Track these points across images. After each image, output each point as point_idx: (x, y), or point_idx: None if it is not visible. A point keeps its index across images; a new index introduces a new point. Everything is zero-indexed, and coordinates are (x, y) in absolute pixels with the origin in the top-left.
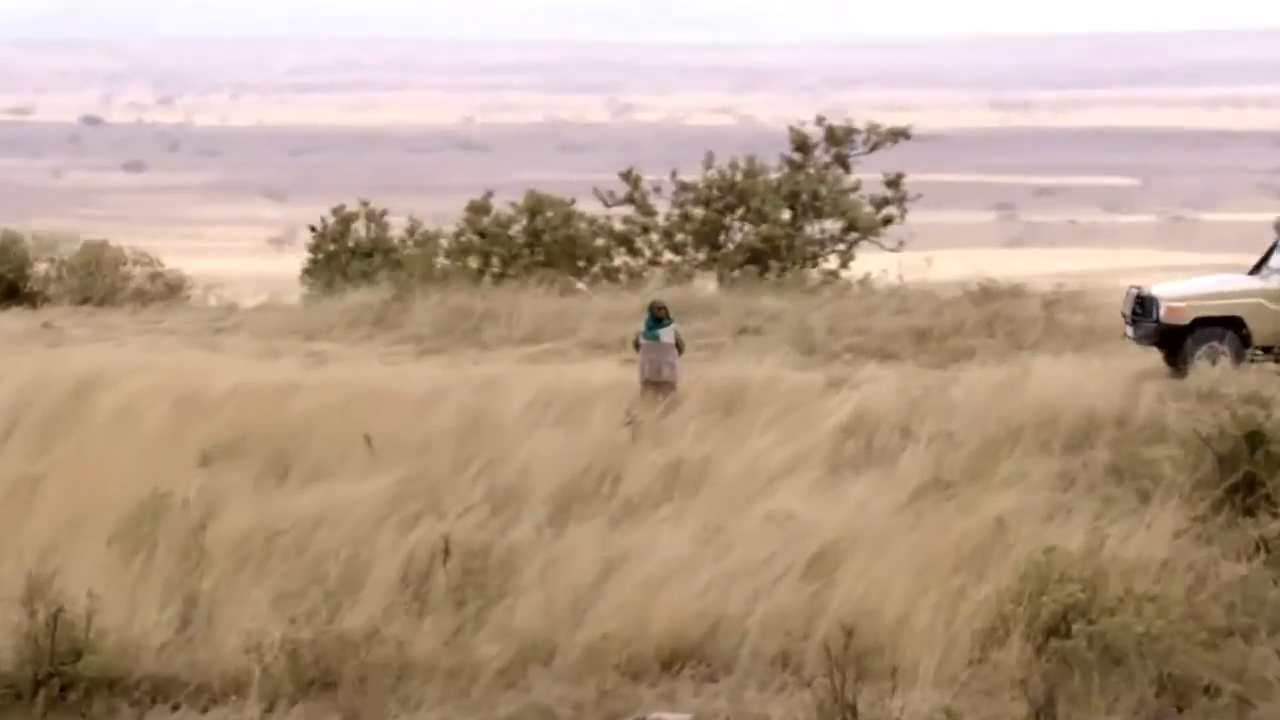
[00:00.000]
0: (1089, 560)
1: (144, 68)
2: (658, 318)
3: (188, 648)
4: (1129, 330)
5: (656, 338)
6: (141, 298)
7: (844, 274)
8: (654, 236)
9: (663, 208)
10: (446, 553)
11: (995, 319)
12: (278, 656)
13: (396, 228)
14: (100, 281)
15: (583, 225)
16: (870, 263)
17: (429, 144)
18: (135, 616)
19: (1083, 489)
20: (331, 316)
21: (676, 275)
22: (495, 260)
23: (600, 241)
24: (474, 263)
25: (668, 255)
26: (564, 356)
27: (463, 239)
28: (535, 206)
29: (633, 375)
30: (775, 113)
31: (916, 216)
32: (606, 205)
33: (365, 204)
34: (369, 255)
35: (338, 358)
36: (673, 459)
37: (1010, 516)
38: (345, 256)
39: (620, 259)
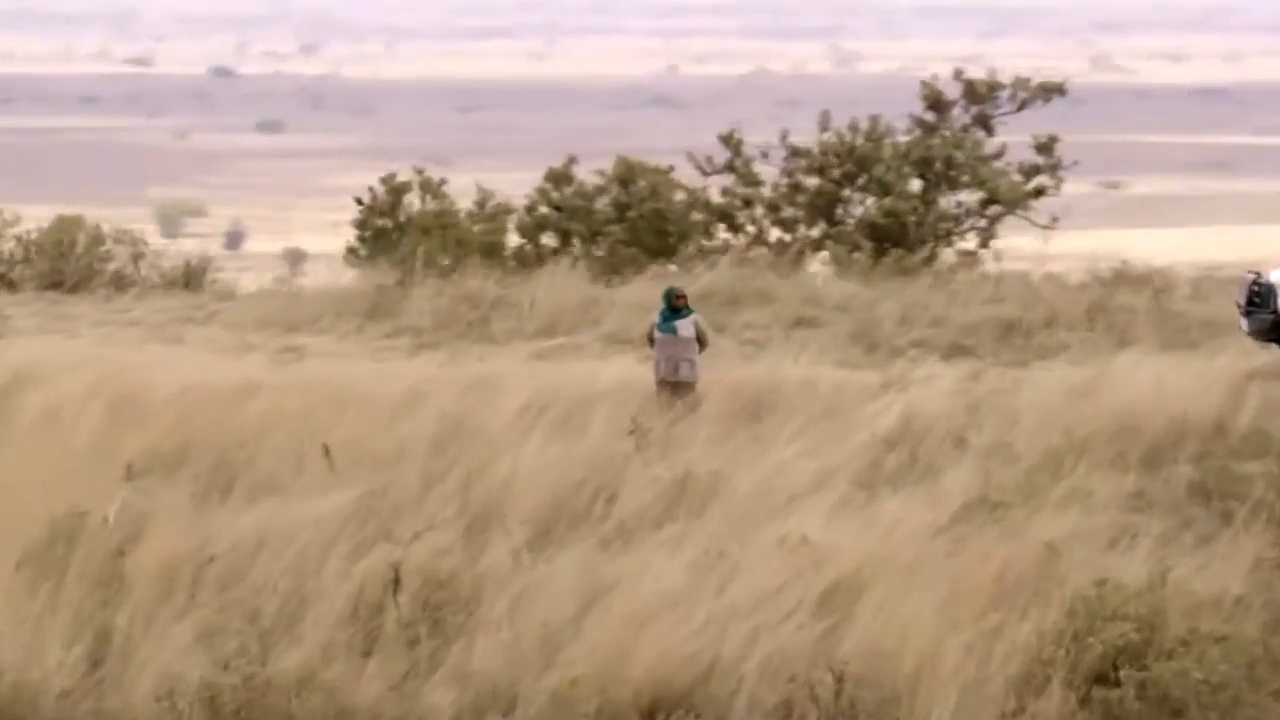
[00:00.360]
0: (1148, 595)
1: (283, 11)
2: (675, 307)
3: (95, 692)
4: (1243, 323)
5: (674, 330)
6: (120, 283)
7: (984, 254)
8: (758, 210)
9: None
10: (396, 582)
11: (1101, 309)
12: (194, 704)
13: (467, 198)
14: (74, 264)
15: (680, 196)
16: (1021, 243)
17: (620, 100)
18: (38, 654)
19: (1159, 510)
20: (323, 305)
21: (784, 256)
22: (575, 239)
23: (697, 216)
24: (551, 241)
25: (776, 232)
26: (580, 352)
27: (535, 213)
28: (626, 175)
29: (650, 374)
30: (1031, 62)
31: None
32: (704, 173)
33: (420, 172)
34: (429, 232)
35: (317, 353)
36: (679, 473)
37: (1065, 542)
38: (396, 233)
39: (721, 236)
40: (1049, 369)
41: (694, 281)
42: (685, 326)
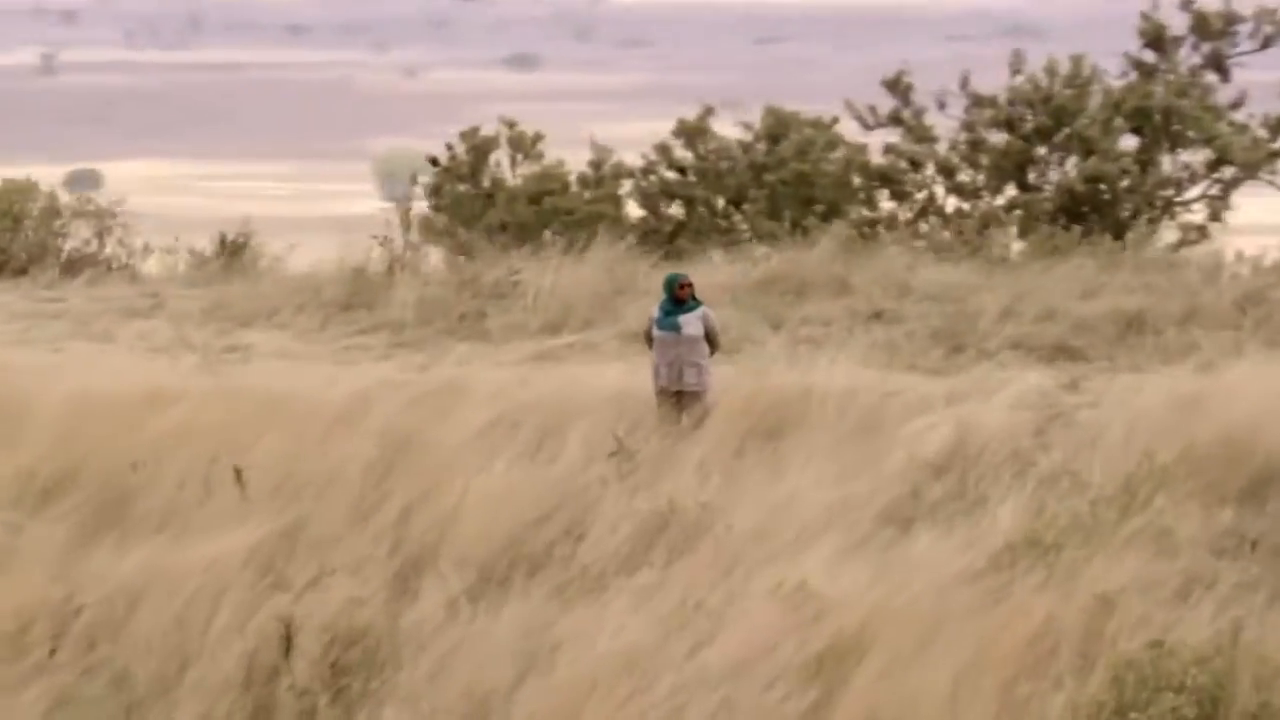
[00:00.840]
0: (1214, 660)
1: None
2: (678, 299)
3: None
4: None
5: (676, 328)
6: (76, 264)
7: (1216, 228)
8: (930, 172)
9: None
10: (288, 640)
11: (1256, 301)
12: None
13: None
14: (20, 239)
15: (835, 156)
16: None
17: (963, 28)
18: None
19: (1255, 554)
20: (290, 294)
21: (962, 229)
22: (701, 208)
23: (857, 181)
24: (675, 209)
25: (952, 200)
26: (591, 352)
27: (652, 178)
28: (776, 129)
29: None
30: None
31: None
32: (866, 126)
33: (510, 124)
34: (537, 201)
35: (268, 352)
36: (665, 506)
37: (1125, 593)
38: (478, 202)
39: (885, 205)
40: (1167, 375)
41: (753, 268)
42: (691, 323)
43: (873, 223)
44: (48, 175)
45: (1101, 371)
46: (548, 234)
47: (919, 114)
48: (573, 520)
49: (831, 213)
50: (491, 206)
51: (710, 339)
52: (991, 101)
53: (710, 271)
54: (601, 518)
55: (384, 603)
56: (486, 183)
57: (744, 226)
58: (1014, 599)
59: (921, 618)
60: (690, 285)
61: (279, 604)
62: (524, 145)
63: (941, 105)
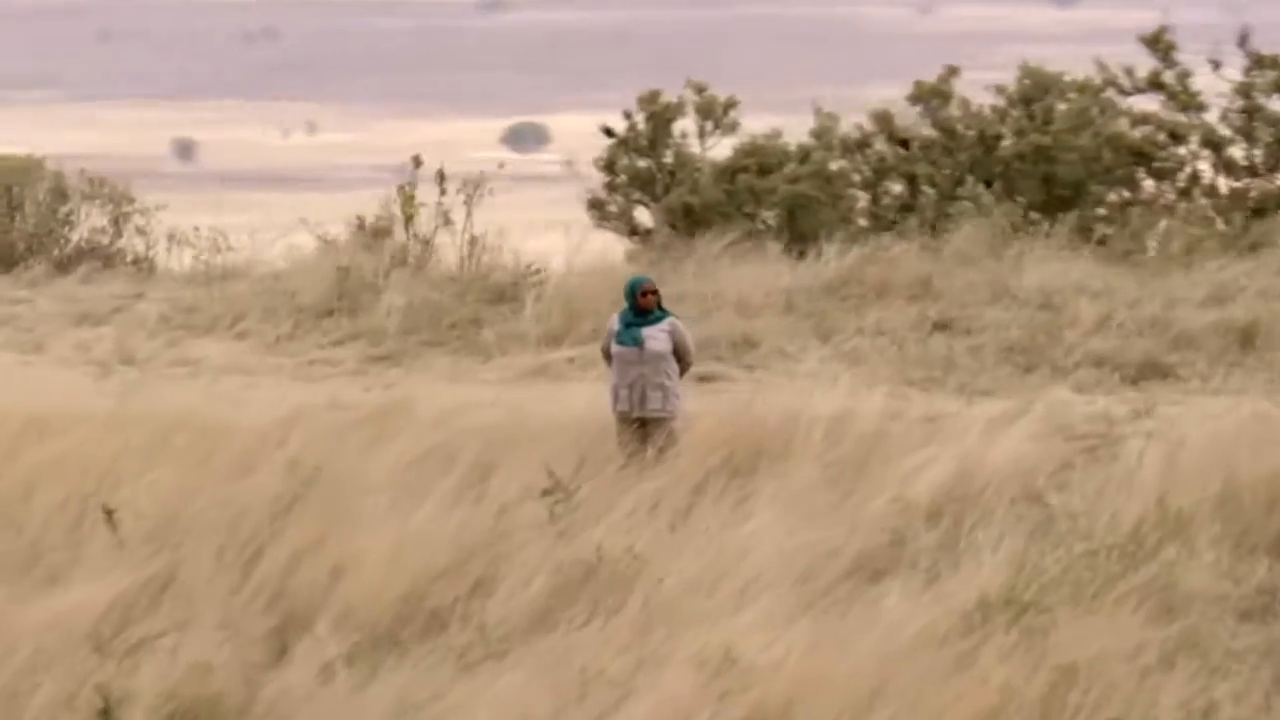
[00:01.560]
0: None
1: None
2: (641, 308)
3: None
4: None
5: (638, 342)
6: (87, 257)
7: None
8: (1192, 146)
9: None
10: (107, 715)
11: None
12: None
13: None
14: (20, 227)
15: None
16: None
17: None
18: None
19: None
20: (260, 299)
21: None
22: (927, 188)
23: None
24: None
25: (1222, 180)
26: (593, 368)
27: (867, 153)
28: (1031, 92)
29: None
30: None
31: None
32: (1122, 91)
33: (698, 88)
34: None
35: (218, 366)
36: (594, 555)
37: (1101, 660)
38: (664, 180)
39: (1146, 185)
40: (1264, 400)
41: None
42: (656, 337)
43: (1128, 205)
44: (483, 130)
45: (1191, 394)
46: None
47: (1183, 77)
48: (487, 571)
49: (1077, 196)
50: (675, 185)
51: (680, 355)
52: (1272, 62)
53: (772, 274)
54: (518, 569)
55: (247, 667)
56: (669, 157)
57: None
58: (976, 666)
59: (861, 688)
60: (656, 291)
61: (110, 670)
62: (714, 113)
63: (1216, 65)
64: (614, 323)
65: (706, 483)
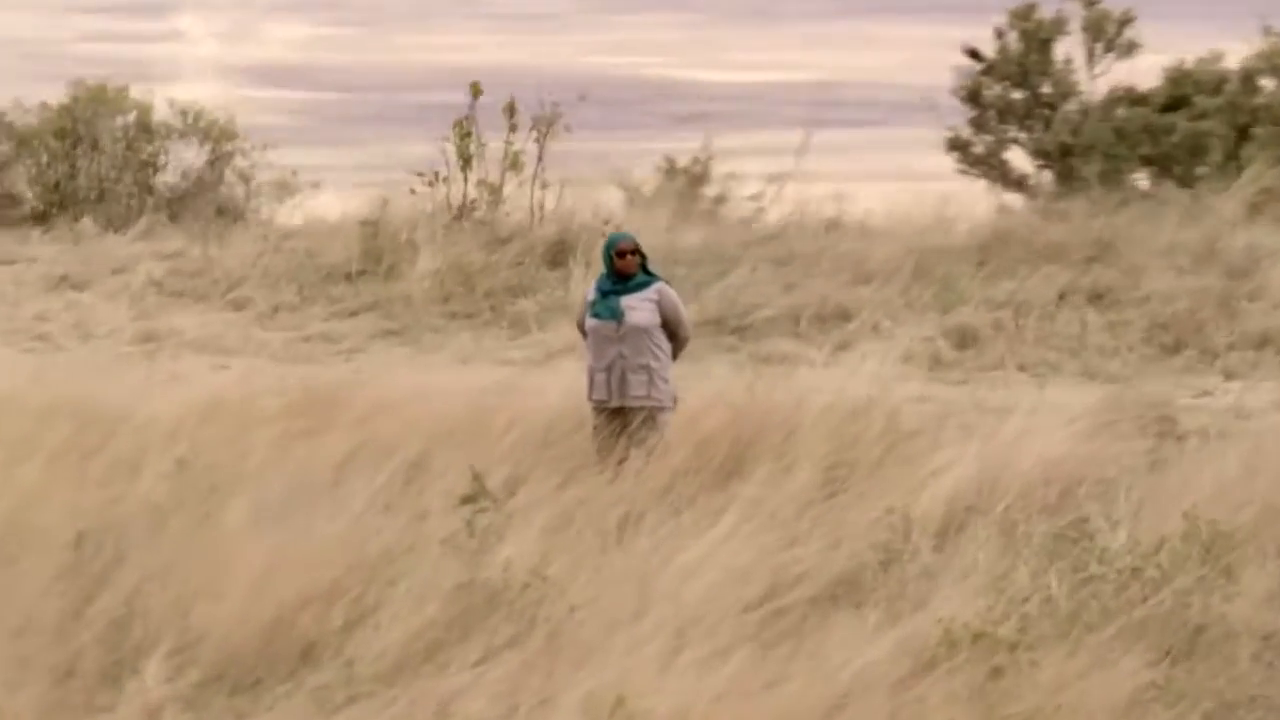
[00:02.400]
0: None
1: None
2: (621, 272)
3: None
4: None
5: (616, 314)
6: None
7: None
8: None
9: None
10: None
11: None
12: None
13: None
14: (93, 166)
15: None
16: None
17: None
18: None
19: None
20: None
21: None
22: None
23: None
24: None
25: None
26: None
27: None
28: None
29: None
30: None
31: None
32: None
33: (1088, 1)
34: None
35: (191, 342)
36: (501, 577)
37: (1076, 708)
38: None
39: None
40: None
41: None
42: (639, 307)
43: None
44: None
45: None
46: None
47: None
48: (376, 596)
49: None
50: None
51: (671, 330)
52: None
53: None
54: (412, 593)
55: (51, 713)
56: (1047, 87)
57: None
58: (922, 715)
59: None
60: (637, 251)
61: None
62: (1104, 31)
63: None
64: (590, 291)
65: (675, 488)
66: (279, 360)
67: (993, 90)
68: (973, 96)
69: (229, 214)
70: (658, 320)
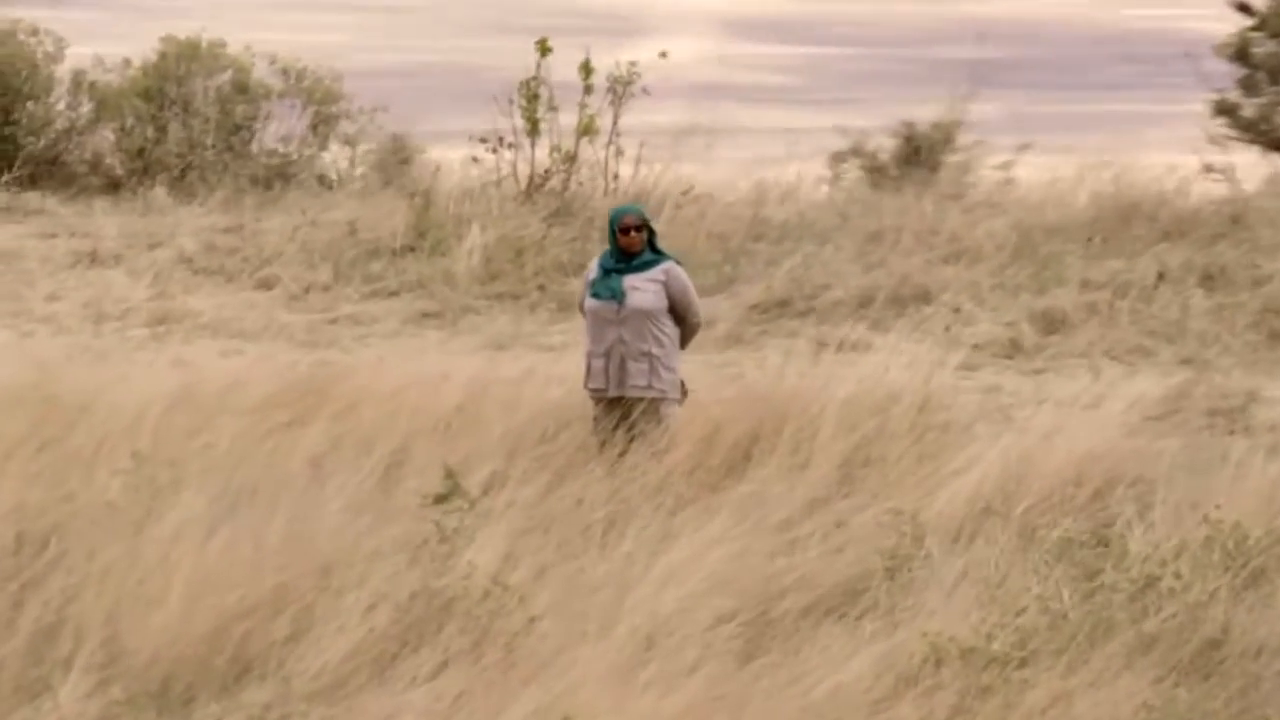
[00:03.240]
0: None
1: None
2: (627, 249)
3: None
4: None
5: (617, 295)
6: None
7: None
8: None
9: None
10: None
11: None
12: None
13: None
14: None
15: None
16: None
17: None
18: None
19: None
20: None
21: None
22: None
23: None
24: None
25: None
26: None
27: None
28: None
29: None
30: None
31: None
32: None
33: None
34: None
35: (203, 326)
36: (461, 584)
37: None
38: None
39: None
40: None
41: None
42: (643, 288)
43: None
44: None
45: None
46: None
47: None
48: (326, 604)
49: None
50: None
51: (679, 314)
52: None
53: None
54: (357, 603)
55: None
56: None
57: None
58: None
59: None
60: (644, 225)
61: None
62: None
63: None
64: (591, 269)
65: (668, 486)
66: (299, 344)
67: (1264, 48)
68: (1241, 55)
69: (329, 183)
70: (664, 303)
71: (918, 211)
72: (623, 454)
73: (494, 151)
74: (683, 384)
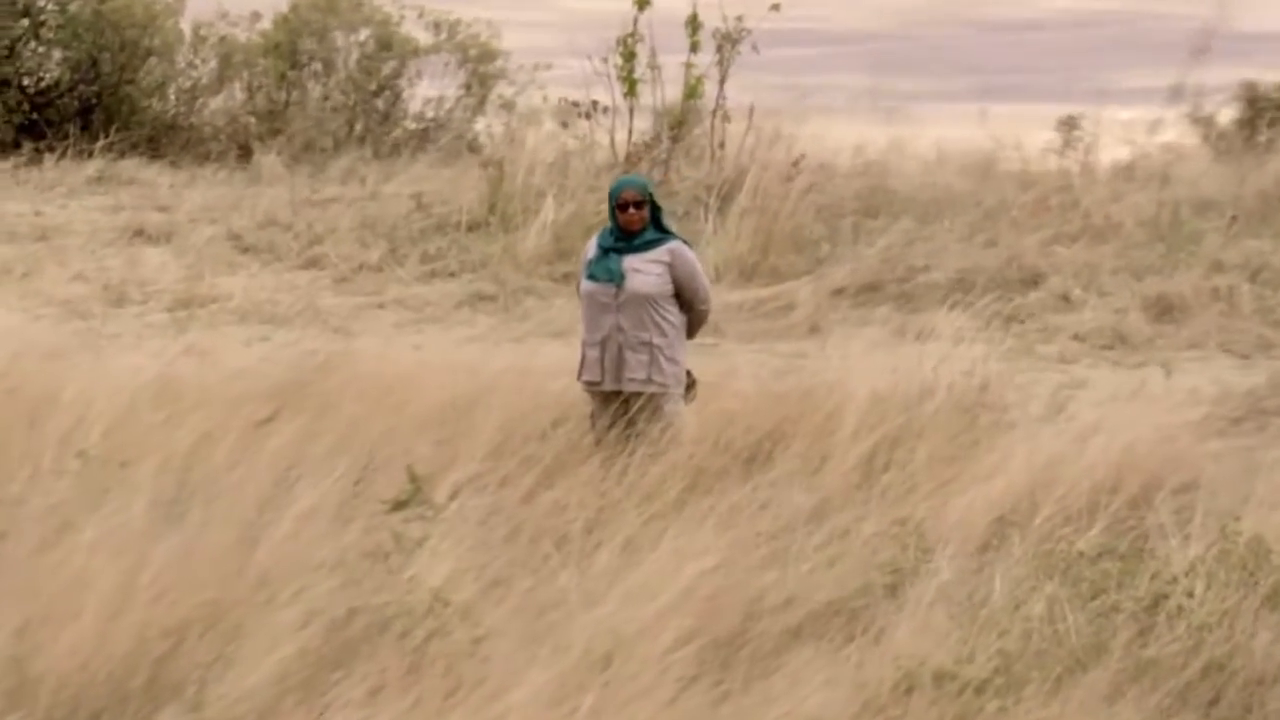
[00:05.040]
0: None
1: None
2: (627, 228)
3: None
4: None
5: (615, 277)
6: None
7: None
8: None
9: None
10: None
11: None
12: None
13: None
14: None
15: None
16: None
17: None
18: None
19: None
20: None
21: None
22: None
23: None
24: None
25: None
26: (774, 319)
27: None
28: None
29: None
30: None
31: None
32: None
33: None
34: None
35: (234, 311)
36: (403, 601)
37: None
38: None
39: None
40: None
41: None
42: (644, 270)
43: None
44: None
45: None
46: None
47: None
48: (254, 623)
49: None
50: None
51: (685, 299)
52: None
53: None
54: (291, 621)
55: None
56: None
57: None
58: None
59: None
60: (645, 202)
61: None
62: None
63: None
64: (589, 248)
65: (660, 490)
66: (334, 331)
67: None
68: None
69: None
70: (668, 288)
71: (1053, 183)
72: (615, 455)
73: (586, 117)
74: (691, 377)
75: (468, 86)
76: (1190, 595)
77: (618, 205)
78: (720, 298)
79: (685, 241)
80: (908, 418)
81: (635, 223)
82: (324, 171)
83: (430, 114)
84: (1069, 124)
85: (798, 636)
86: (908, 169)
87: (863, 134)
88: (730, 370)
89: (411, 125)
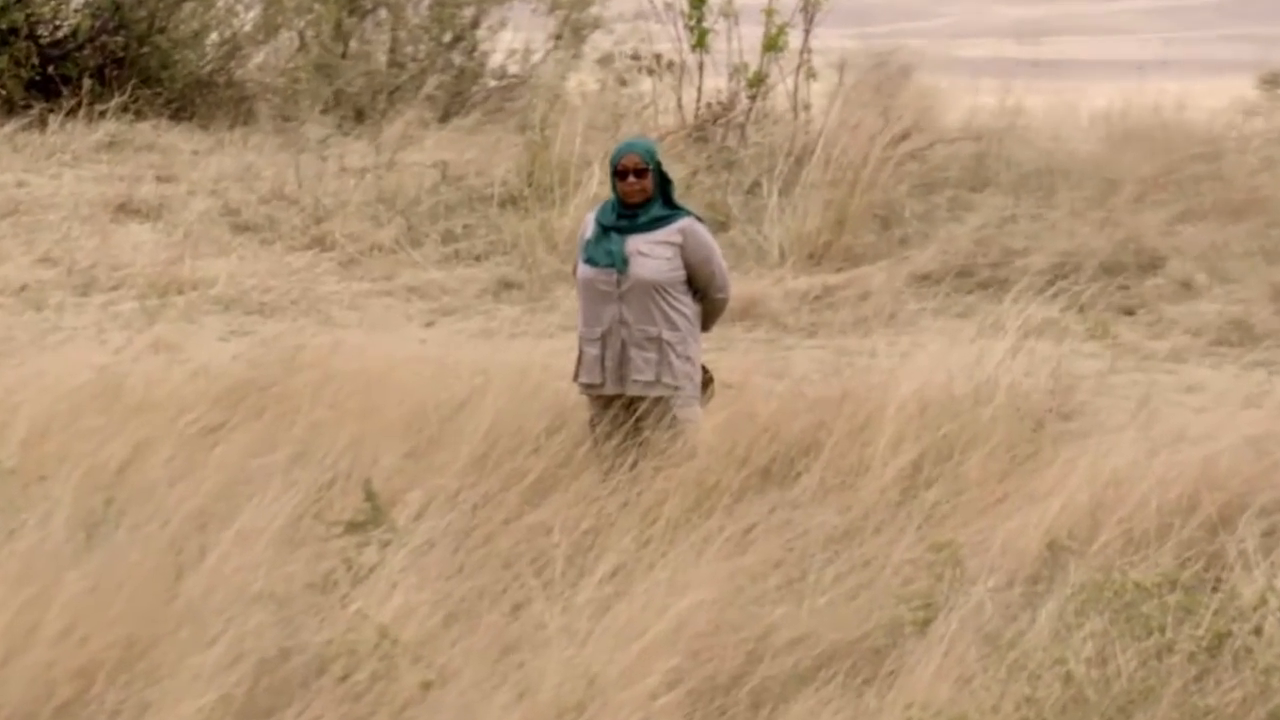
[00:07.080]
0: None
1: None
2: (625, 200)
3: None
4: None
5: (616, 261)
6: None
7: None
8: None
9: None
10: None
11: None
12: None
13: None
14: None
15: None
16: None
17: None
18: None
19: None
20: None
21: None
22: None
23: None
24: None
25: None
26: (850, 308)
27: None
28: None
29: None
30: None
31: None
32: None
33: None
34: None
35: (219, 301)
36: (345, 639)
37: None
38: None
39: None
40: None
41: None
42: (652, 253)
43: None
44: None
45: None
46: None
47: None
48: (174, 655)
49: None
50: None
51: (699, 286)
52: None
53: None
54: (216, 662)
55: None
56: None
57: None
58: None
59: None
60: (648, 170)
61: None
62: None
63: None
64: (587, 226)
65: (661, 510)
66: (331, 324)
67: None
68: None
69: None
70: (679, 273)
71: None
72: (613, 468)
73: (650, 72)
74: (707, 374)
75: (558, 37)
76: (1258, 633)
77: (616, 172)
78: (782, 285)
79: (699, 218)
80: (959, 424)
81: (635, 194)
82: (379, 137)
83: (514, 69)
84: (1271, 81)
85: (806, 680)
86: (1037, 134)
87: (996, 94)
88: (779, 369)
89: (492, 83)
